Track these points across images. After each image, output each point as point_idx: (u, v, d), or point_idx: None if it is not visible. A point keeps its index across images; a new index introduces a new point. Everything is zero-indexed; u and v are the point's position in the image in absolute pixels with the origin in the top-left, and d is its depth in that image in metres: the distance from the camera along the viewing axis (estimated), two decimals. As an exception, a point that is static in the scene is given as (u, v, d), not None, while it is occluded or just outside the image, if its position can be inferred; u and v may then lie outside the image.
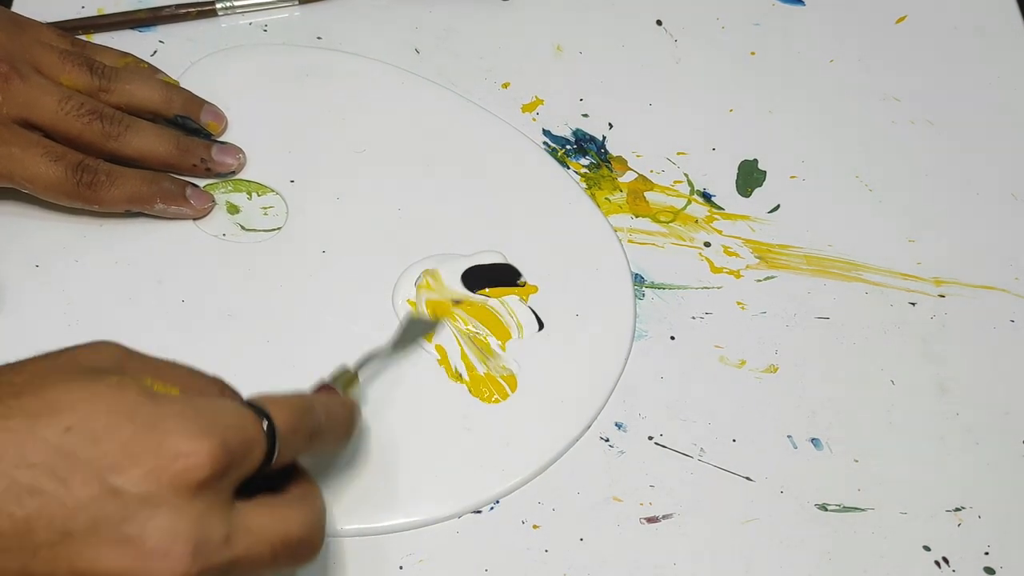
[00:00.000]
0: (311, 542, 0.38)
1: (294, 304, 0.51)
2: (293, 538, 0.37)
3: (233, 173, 0.55)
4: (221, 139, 0.56)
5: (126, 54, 0.56)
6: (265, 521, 0.36)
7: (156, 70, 0.57)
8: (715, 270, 0.54)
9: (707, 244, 0.55)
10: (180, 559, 0.33)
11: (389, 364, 0.50)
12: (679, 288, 0.53)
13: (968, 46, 0.63)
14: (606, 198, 0.56)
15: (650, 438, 0.49)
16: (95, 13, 0.60)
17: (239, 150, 0.55)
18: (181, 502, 0.33)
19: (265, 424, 0.37)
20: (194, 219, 0.53)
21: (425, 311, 0.51)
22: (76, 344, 0.38)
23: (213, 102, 0.56)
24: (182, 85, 0.57)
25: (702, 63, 0.61)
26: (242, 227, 0.54)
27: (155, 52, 0.59)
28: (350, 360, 0.47)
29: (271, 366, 0.50)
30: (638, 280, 0.53)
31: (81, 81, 0.52)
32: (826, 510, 0.48)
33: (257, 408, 0.37)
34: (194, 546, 0.33)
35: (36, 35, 0.53)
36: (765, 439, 0.49)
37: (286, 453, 0.38)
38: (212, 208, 0.54)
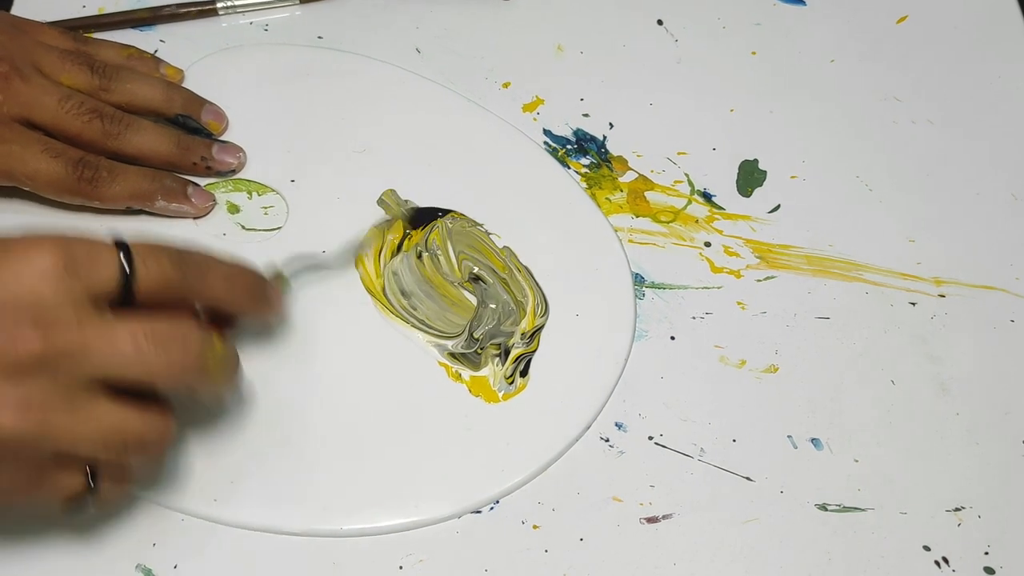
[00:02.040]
0: (188, 345, 0.40)
1: (294, 304, 0.51)
2: (162, 334, 0.39)
3: (233, 172, 0.55)
4: (222, 138, 0.56)
5: (128, 47, 0.56)
6: (129, 320, 0.39)
7: (159, 61, 0.57)
8: (715, 270, 0.54)
9: (707, 244, 0.55)
10: (22, 330, 0.36)
11: (321, 272, 0.51)
12: (679, 288, 0.53)
13: (968, 46, 0.63)
14: (606, 198, 0.56)
15: (650, 438, 0.49)
16: (95, 12, 0.60)
17: (240, 149, 0.55)
18: (23, 289, 0.37)
19: (121, 250, 0.39)
20: (195, 218, 0.53)
21: (367, 234, 0.53)
22: None
23: (214, 102, 0.56)
24: (182, 85, 0.57)
25: (703, 63, 0.61)
26: (243, 226, 0.54)
27: (156, 51, 0.59)
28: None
29: (271, 366, 0.50)
30: (638, 280, 0.53)
31: (82, 80, 0.52)
32: (826, 510, 0.48)
33: (116, 238, 0.40)
34: (36, 319, 0.37)
35: (37, 35, 0.53)
36: (765, 439, 0.50)
37: (148, 276, 0.39)
38: (213, 207, 0.54)
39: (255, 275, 0.46)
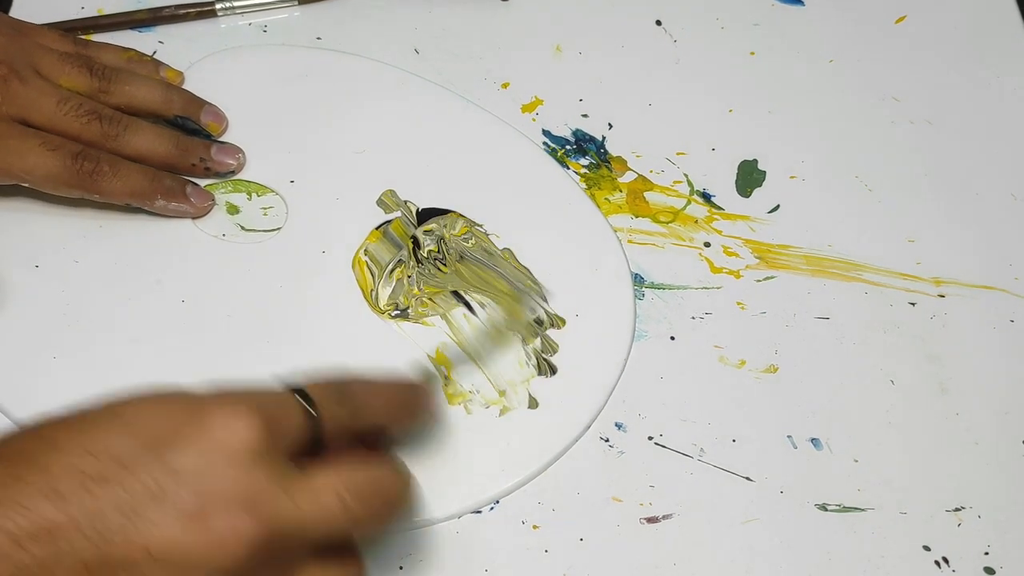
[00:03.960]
0: (389, 490, 0.39)
1: (294, 304, 0.51)
2: (363, 485, 0.38)
3: (233, 173, 0.55)
4: (221, 139, 0.56)
5: (128, 49, 0.56)
6: (331, 474, 0.37)
7: (159, 64, 0.57)
8: (715, 270, 0.54)
9: (707, 244, 0.55)
10: (239, 520, 0.34)
11: (471, 362, 0.50)
12: (679, 288, 0.53)
13: (968, 46, 0.63)
14: (606, 198, 0.56)
15: (650, 438, 0.49)
16: (95, 13, 0.60)
17: (239, 150, 0.55)
18: (233, 471, 0.35)
19: (299, 395, 0.38)
20: (194, 217, 0.53)
21: (504, 330, 0.51)
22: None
23: (213, 102, 0.56)
24: (182, 87, 0.57)
25: (702, 63, 0.61)
26: (242, 227, 0.54)
27: (155, 52, 0.59)
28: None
29: (271, 366, 0.49)
30: (638, 280, 0.53)
31: (81, 83, 0.52)
32: (826, 510, 0.48)
33: (290, 385, 0.39)
34: (251, 505, 0.35)
35: (37, 38, 0.53)
36: (765, 439, 0.50)
37: (328, 414, 0.39)
38: (212, 207, 0.54)
39: (412, 389, 0.44)
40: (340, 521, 0.37)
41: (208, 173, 0.55)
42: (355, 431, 0.40)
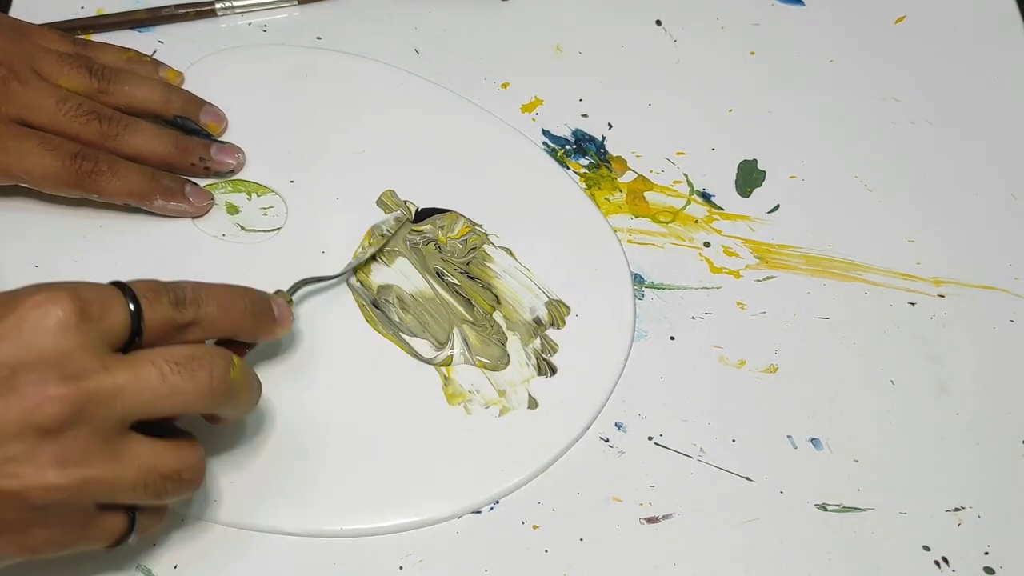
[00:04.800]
0: (209, 364, 0.40)
1: (293, 304, 0.51)
2: (182, 358, 0.39)
3: (232, 172, 0.55)
4: (221, 139, 0.56)
5: (128, 49, 0.56)
6: (147, 351, 0.39)
7: (159, 64, 0.57)
8: (715, 270, 0.54)
9: (707, 244, 0.55)
10: (51, 385, 0.36)
11: (330, 288, 0.51)
12: (679, 288, 0.53)
13: (968, 46, 0.63)
14: (606, 198, 0.56)
15: (650, 438, 0.49)
16: (94, 13, 0.60)
17: (238, 150, 0.55)
18: (43, 343, 0.37)
19: (123, 290, 0.39)
20: (193, 217, 0.53)
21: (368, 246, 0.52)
22: None
23: (212, 102, 0.56)
24: (182, 87, 0.57)
25: (701, 63, 0.61)
26: (242, 227, 0.54)
27: (154, 52, 0.59)
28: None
29: (271, 366, 0.50)
30: (638, 280, 0.53)
31: (80, 83, 0.52)
32: (826, 510, 0.48)
33: (115, 281, 0.40)
34: (62, 372, 0.36)
35: (36, 39, 0.53)
36: (765, 439, 0.50)
37: (154, 314, 0.40)
38: (211, 206, 0.54)
39: (255, 296, 0.45)
40: (159, 390, 0.38)
41: (208, 173, 0.54)
42: (189, 334, 0.41)
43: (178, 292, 0.41)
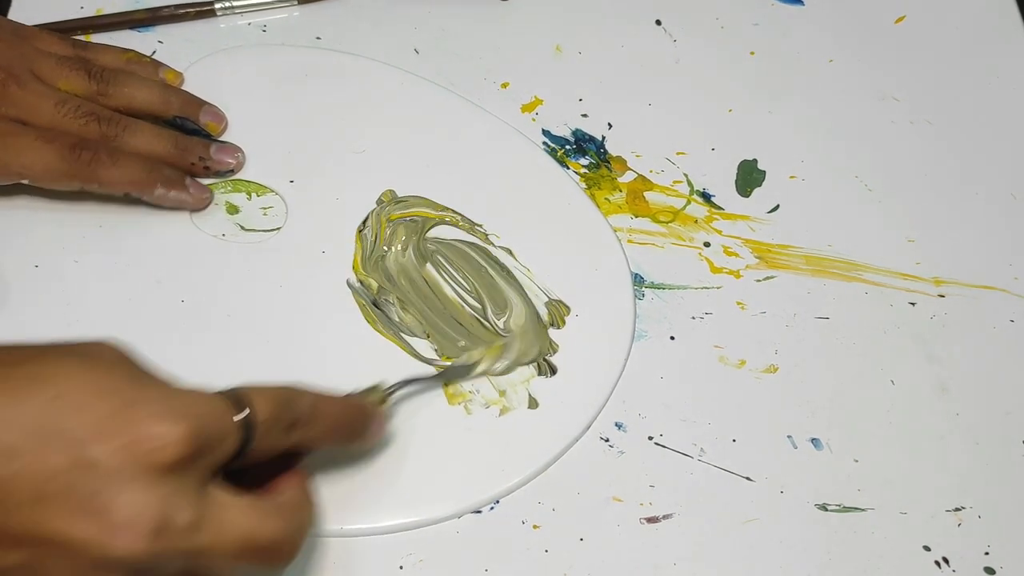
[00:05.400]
0: (282, 550, 0.38)
1: (294, 304, 0.51)
2: (264, 541, 0.37)
3: (232, 172, 0.55)
4: (220, 139, 0.56)
5: (127, 50, 0.56)
6: (239, 518, 0.37)
7: (159, 64, 0.57)
8: (715, 270, 0.54)
9: (707, 244, 0.55)
10: (141, 535, 0.34)
11: (425, 390, 0.49)
12: (679, 288, 0.53)
13: (968, 46, 0.63)
14: (606, 198, 0.56)
15: (650, 438, 0.49)
16: (94, 13, 0.60)
17: (238, 149, 0.55)
18: (149, 481, 0.34)
19: (243, 413, 0.37)
20: (193, 209, 0.53)
21: (475, 358, 0.51)
22: (83, 339, 0.39)
23: (212, 102, 0.56)
24: (181, 88, 0.57)
25: (701, 63, 0.61)
26: (242, 227, 0.54)
27: (154, 52, 0.59)
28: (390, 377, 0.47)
29: (271, 366, 0.50)
30: (638, 280, 0.53)
31: (79, 85, 0.52)
32: (826, 510, 0.48)
33: (235, 397, 0.38)
34: (157, 523, 0.34)
35: (35, 42, 0.53)
36: (765, 439, 0.49)
37: (264, 442, 0.38)
38: (211, 199, 0.54)
39: (361, 413, 0.44)
40: (228, 563, 0.37)
41: (208, 172, 0.54)
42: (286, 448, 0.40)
43: (295, 414, 0.40)
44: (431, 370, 0.50)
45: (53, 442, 0.34)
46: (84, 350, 0.37)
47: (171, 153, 0.53)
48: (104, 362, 0.37)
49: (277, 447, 0.40)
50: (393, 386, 0.47)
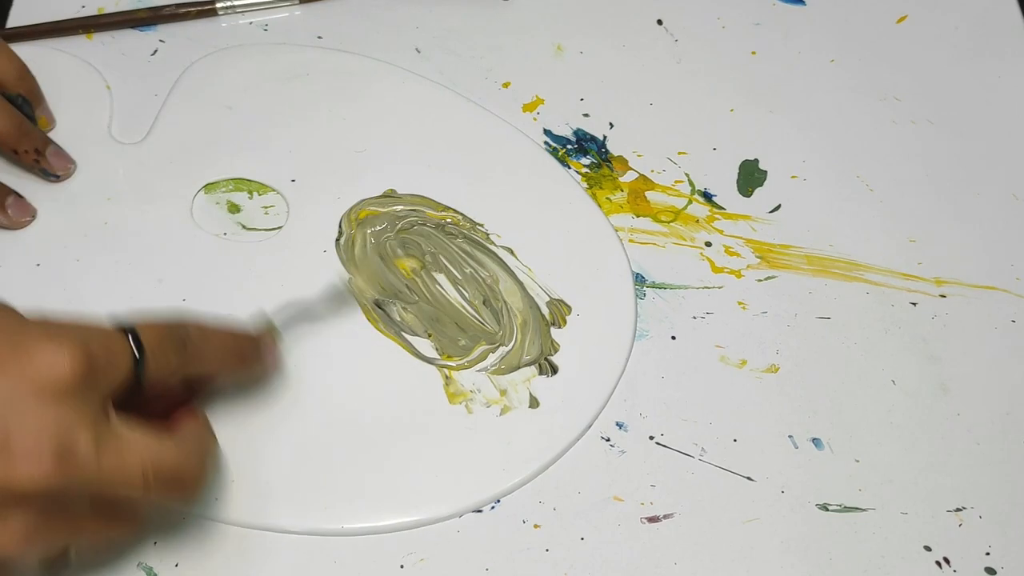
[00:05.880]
0: (187, 478, 0.39)
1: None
2: (167, 467, 0.38)
3: (58, 178, 0.54)
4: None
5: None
6: (141, 443, 0.37)
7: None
8: (716, 270, 0.54)
9: (708, 244, 0.55)
10: (43, 461, 0.34)
11: (315, 317, 0.50)
12: (680, 288, 0.53)
13: (968, 46, 0.63)
14: (607, 198, 0.56)
15: (651, 438, 0.49)
16: (95, 12, 0.60)
17: (72, 161, 0.54)
18: (45, 407, 0.35)
19: (131, 337, 0.38)
20: (6, 228, 0.53)
21: (351, 288, 0.51)
22: None
23: (213, 101, 0.56)
24: (181, 85, 0.57)
25: (703, 63, 0.61)
26: (242, 226, 0.54)
27: (155, 51, 0.59)
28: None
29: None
30: (639, 280, 0.53)
31: None
32: (826, 510, 0.48)
33: (121, 324, 0.39)
34: (57, 449, 0.34)
35: None
36: (766, 439, 0.49)
37: (157, 366, 0.39)
38: (29, 223, 0.53)
39: (249, 340, 0.45)
40: (134, 491, 0.37)
41: (35, 167, 0.53)
42: (180, 376, 0.41)
43: (183, 335, 0.40)
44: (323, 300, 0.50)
45: None
46: None
47: (10, 132, 0.52)
48: None
49: (171, 374, 0.40)
50: (278, 311, 0.48)
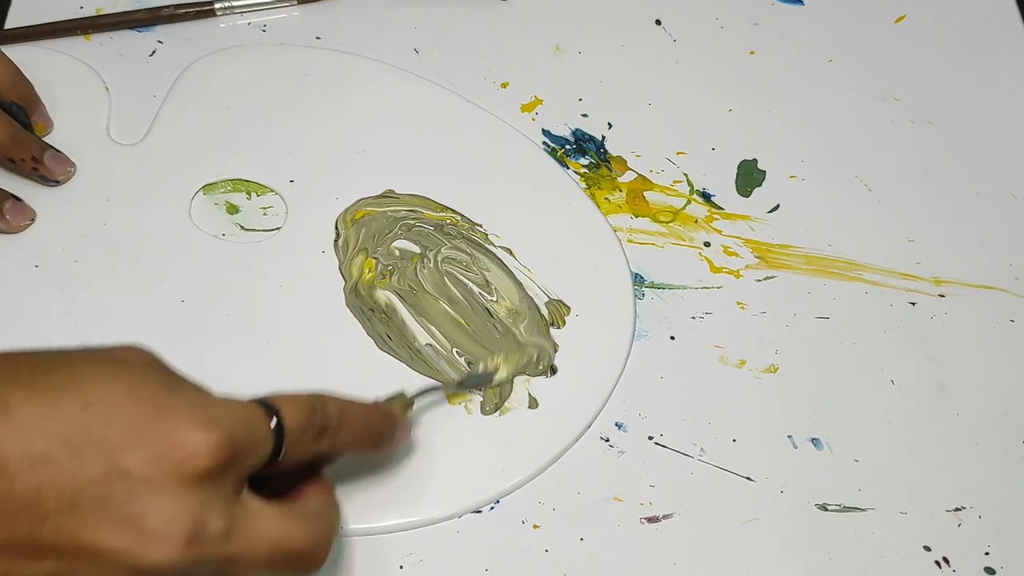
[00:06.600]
0: (311, 558, 0.38)
1: (294, 304, 0.51)
2: (294, 549, 0.37)
3: (58, 183, 0.54)
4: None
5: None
6: (270, 525, 0.37)
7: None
8: (715, 270, 0.54)
9: (707, 244, 0.55)
10: (174, 543, 0.34)
11: (444, 393, 0.49)
12: (679, 288, 0.53)
13: (968, 46, 0.63)
14: (606, 198, 0.56)
15: (650, 438, 0.49)
16: (94, 13, 0.60)
17: (72, 164, 0.54)
18: (183, 490, 0.34)
19: (274, 421, 0.37)
20: (5, 233, 0.52)
21: (501, 369, 0.50)
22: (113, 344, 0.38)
23: (212, 101, 0.56)
24: (179, 86, 0.57)
25: (701, 63, 0.61)
26: (242, 227, 0.54)
27: (154, 52, 0.59)
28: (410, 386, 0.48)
29: (271, 366, 0.50)
30: (638, 280, 0.53)
31: None
32: (826, 510, 0.48)
33: (267, 405, 0.38)
34: (190, 532, 0.34)
35: None
36: (765, 439, 0.49)
37: (295, 450, 0.38)
38: (28, 227, 0.53)
39: (386, 421, 0.44)
40: (258, 571, 0.37)
41: (34, 174, 0.53)
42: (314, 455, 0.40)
43: (324, 421, 0.39)
44: (453, 377, 0.50)
45: (85, 451, 0.34)
46: (114, 355, 0.37)
47: (5, 141, 0.52)
48: (135, 368, 0.36)
49: (306, 454, 0.39)
50: (417, 393, 0.47)
